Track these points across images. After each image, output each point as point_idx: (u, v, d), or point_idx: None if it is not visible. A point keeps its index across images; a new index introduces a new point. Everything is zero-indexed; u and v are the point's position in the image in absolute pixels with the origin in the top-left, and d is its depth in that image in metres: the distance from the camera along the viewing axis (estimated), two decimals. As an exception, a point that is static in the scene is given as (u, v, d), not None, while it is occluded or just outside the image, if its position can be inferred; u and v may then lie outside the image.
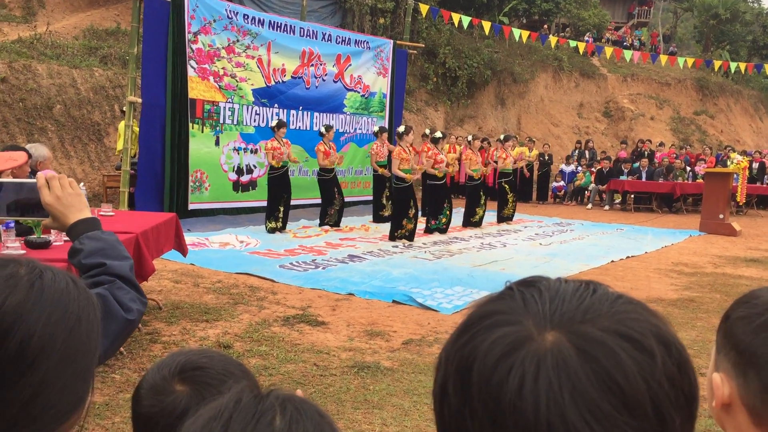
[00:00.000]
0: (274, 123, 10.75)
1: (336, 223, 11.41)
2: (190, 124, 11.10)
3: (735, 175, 14.43)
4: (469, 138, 12.65)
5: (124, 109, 11.05)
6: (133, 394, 1.19)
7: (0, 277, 0.80)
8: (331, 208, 11.36)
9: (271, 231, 10.54)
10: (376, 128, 12.86)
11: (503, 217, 13.23)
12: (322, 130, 11.30)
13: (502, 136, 13.89)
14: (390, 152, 11.41)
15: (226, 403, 0.70)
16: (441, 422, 0.61)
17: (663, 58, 20.92)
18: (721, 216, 13.24)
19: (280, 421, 0.68)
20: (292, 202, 10.97)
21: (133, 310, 1.39)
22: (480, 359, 0.57)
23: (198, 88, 11.21)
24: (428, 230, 11.33)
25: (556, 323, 0.58)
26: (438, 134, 11.34)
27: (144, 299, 1.45)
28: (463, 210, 12.58)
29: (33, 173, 5.54)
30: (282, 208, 10.69)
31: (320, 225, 11.33)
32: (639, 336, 0.56)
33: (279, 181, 10.54)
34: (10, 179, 1.56)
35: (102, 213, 5.75)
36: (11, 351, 0.76)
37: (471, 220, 12.33)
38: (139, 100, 10.57)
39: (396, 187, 10.45)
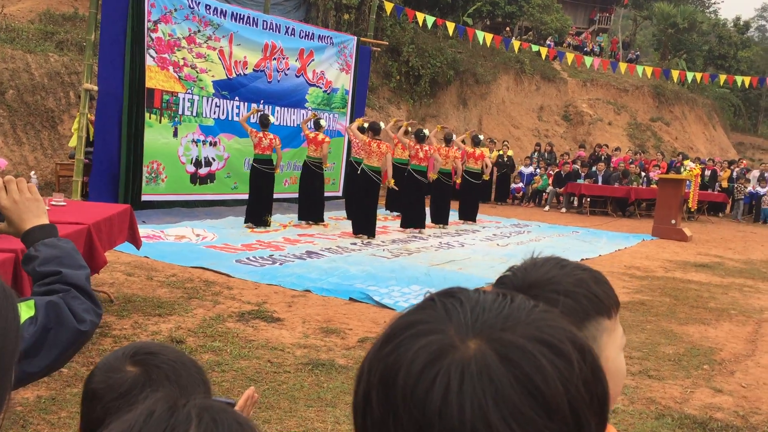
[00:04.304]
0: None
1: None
2: (147, 114, 10.91)
3: (687, 182, 14.75)
4: (461, 138, 13.24)
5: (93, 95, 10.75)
6: (89, 373, 1.22)
7: None
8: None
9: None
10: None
11: (469, 217, 13.53)
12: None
13: (480, 137, 14.36)
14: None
15: (137, 416, 0.66)
16: None
17: (623, 66, 21.28)
18: (673, 221, 13.53)
19: None
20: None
21: (87, 321, 1.36)
22: (404, 368, 0.58)
23: (156, 78, 11.02)
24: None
25: (478, 331, 0.59)
26: (425, 132, 11.76)
27: (99, 311, 1.41)
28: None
29: (-19, 160, 5.38)
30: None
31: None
32: (557, 342, 0.58)
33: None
34: None
35: (54, 202, 5.60)
36: None
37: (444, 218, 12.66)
38: (95, 88, 10.34)
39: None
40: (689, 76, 21.42)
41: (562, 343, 0.58)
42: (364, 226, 10.43)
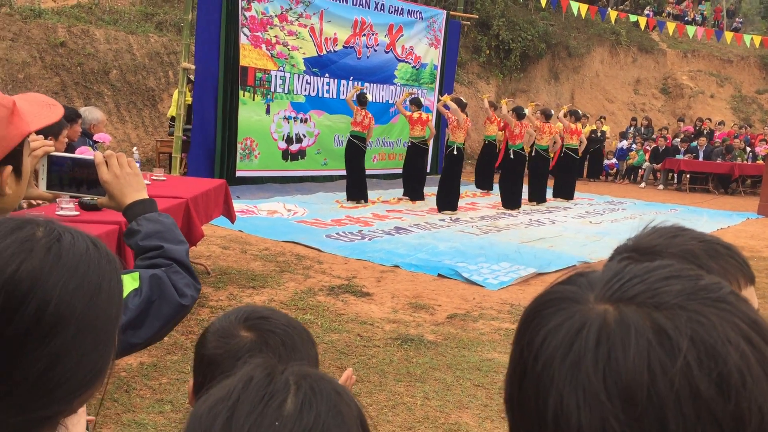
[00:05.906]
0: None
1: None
2: (241, 92, 11.17)
3: (798, 158, 13.89)
4: (561, 113, 12.99)
5: (191, 77, 11.06)
6: (199, 338, 1.23)
7: (16, 240, 0.75)
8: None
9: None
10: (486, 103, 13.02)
11: (566, 194, 13.23)
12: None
13: (579, 112, 14.08)
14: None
15: (236, 382, 0.65)
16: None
17: (728, 35, 20.14)
18: (782, 199, 12.80)
19: (292, 403, 0.64)
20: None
21: (188, 295, 1.39)
22: (530, 307, 0.59)
23: (250, 56, 11.24)
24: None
25: (615, 298, 0.54)
26: (526, 111, 11.57)
27: (198, 285, 1.44)
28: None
29: (86, 135, 5.65)
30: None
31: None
32: (672, 332, 0.50)
33: None
34: (67, 154, 1.56)
35: (154, 177, 5.84)
36: (27, 319, 0.72)
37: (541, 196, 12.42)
38: (193, 67, 10.66)
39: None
40: (802, 44, 20.03)
41: (678, 335, 0.50)
42: (448, 201, 10.40)
